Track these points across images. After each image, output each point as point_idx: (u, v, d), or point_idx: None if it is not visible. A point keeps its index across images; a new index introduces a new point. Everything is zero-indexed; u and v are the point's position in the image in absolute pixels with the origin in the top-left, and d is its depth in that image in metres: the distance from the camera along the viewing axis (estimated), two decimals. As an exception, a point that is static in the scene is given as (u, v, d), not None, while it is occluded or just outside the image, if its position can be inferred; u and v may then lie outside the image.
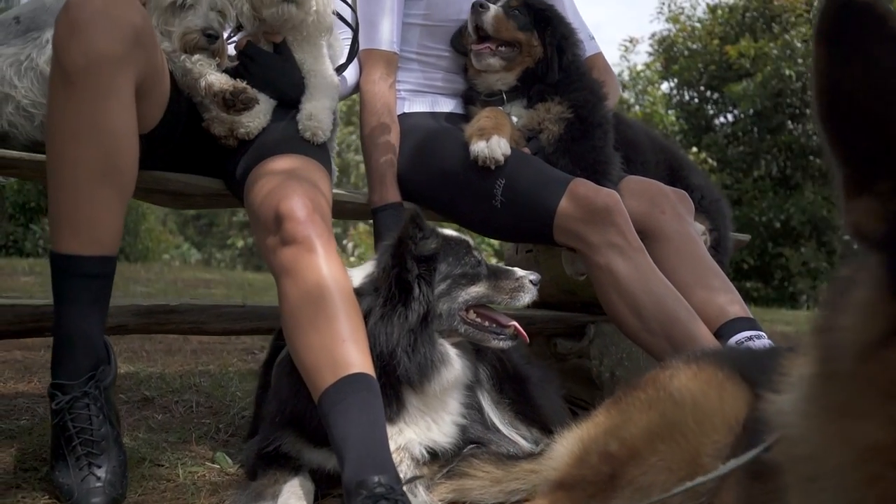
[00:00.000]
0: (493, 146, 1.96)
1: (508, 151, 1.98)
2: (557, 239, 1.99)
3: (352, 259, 11.94)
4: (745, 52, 11.58)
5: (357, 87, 2.21)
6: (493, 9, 2.14)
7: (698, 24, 13.37)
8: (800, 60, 11.11)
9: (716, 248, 2.45)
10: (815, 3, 11.94)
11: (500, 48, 2.16)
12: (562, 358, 2.45)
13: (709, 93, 13.17)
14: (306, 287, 1.53)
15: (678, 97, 13.31)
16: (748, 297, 12.33)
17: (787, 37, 11.26)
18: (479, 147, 1.97)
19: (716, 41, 12.82)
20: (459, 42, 2.24)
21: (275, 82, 1.90)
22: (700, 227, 2.38)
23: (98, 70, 1.41)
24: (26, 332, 1.82)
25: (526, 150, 2.13)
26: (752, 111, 11.36)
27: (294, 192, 1.62)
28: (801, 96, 11.19)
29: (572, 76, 2.20)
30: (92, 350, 1.51)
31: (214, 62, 1.80)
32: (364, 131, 2.15)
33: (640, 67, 13.41)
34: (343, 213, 2.16)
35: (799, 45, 11.17)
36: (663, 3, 14.03)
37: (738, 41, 12.09)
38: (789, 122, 11.45)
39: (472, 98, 2.26)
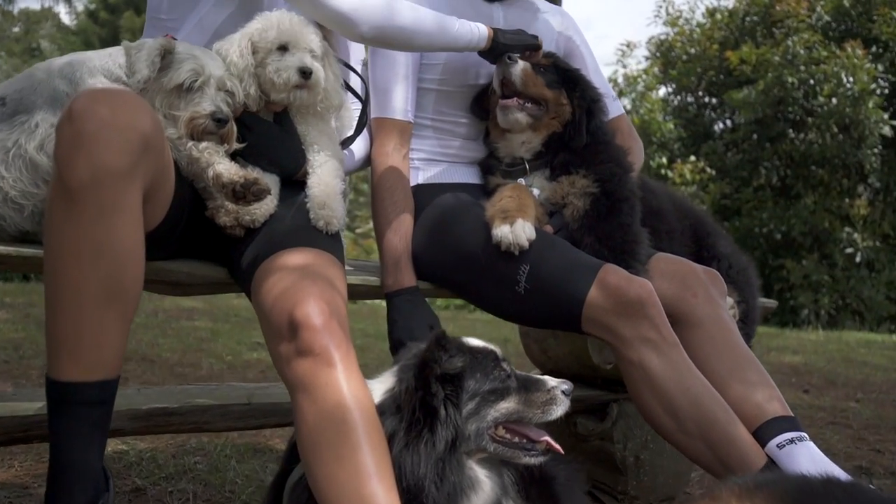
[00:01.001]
0: (517, 231, 1.89)
1: (534, 236, 1.91)
2: (585, 329, 1.92)
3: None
4: (747, 59, 11.55)
5: (367, 161, 2.13)
6: (522, 63, 2.08)
7: (697, 29, 13.35)
8: (802, 67, 11.11)
9: (744, 321, 2.40)
10: (818, 9, 11.97)
11: (527, 104, 2.10)
12: (583, 439, 2.39)
13: (707, 98, 13.17)
14: (326, 407, 1.45)
15: (676, 102, 13.29)
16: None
17: (788, 43, 11.26)
18: (502, 232, 1.90)
19: (715, 46, 12.80)
20: (479, 106, 2.18)
21: (272, 154, 1.82)
22: (729, 301, 2.32)
23: (104, 186, 1.33)
24: (12, 441, 1.73)
25: (548, 227, 2.06)
26: (752, 119, 11.35)
27: (309, 294, 1.54)
28: (803, 104, 11.21)
29: (599, 145, 2.14)
30: (91, 481, 1.42)
31: (223, 148, 1.71)
32: (376, 207, 2.07)
33: (636, 72, 13.38)
34: (354, 294, 2.08)
35: (801, 51, 11.17)
36: (660, 6, 14.02)
37: (739, 46, 12.06)
38: (790, 130, 11.45)
39: (490, 167, 2.20)
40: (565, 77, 2.13)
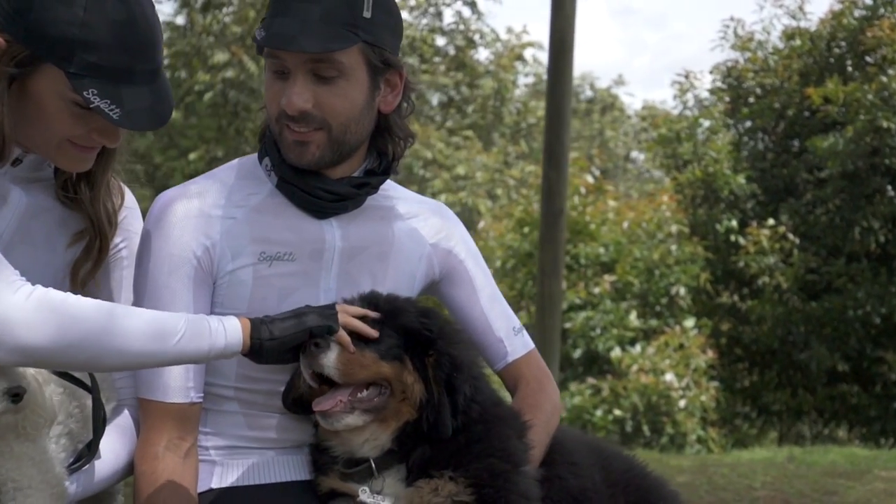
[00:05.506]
0: None
1: None
2: None
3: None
4: (832, 97, 11.04)
5: (127, 470, 1.75)
6: (336, 346, 1.68)
7: (773, 55, 12.83)
8: (901, 109, 10.59)
9: None
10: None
11: (360, 395, 1.73)
12: None
13: (787, 142, 12.56)
14: None
15: (749, 147, 12.69)
16: (843, 403, 11.60)
17: (883, 79, 10.73)
18: None
19: (795, 78, 12.28)
20: (292, 398, 1.80)
21: None
22: None
23: None
24: None
25: None
26: (842, 171, 10.79)
27: None
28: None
29: (473, 427, 1.78)
30: None
31: None
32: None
33: (698, 112, 12.86)
34: None
35: (900, 89, 10.65)
36: (727, 26, 13.54)
37: (823, 80, 11.55)
38: (889, 186, 10.87)
39: (323, 464, 1.82)
40: (408, 337, 1.74)
